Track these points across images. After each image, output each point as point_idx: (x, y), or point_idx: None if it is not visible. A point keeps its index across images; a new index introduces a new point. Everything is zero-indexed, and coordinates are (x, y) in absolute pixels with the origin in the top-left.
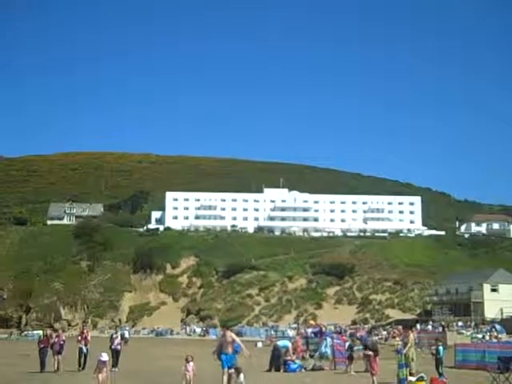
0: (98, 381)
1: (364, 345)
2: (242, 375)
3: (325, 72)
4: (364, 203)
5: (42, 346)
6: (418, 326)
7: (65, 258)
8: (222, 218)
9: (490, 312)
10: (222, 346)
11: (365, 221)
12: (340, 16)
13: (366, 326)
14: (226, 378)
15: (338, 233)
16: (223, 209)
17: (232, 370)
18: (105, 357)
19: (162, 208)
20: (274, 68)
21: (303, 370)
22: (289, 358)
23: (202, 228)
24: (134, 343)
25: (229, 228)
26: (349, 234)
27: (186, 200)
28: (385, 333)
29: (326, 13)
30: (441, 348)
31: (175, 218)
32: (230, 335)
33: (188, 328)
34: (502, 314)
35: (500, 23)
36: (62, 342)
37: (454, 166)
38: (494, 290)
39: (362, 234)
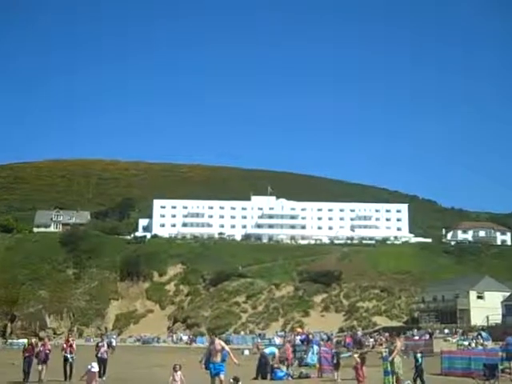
0: None
1: (358, 342)
2: None
3: (309, 76)
4: (351, 211)
5: (27, 354)
6: (415, 331)
7: (51, 265)
8: (210, 225)
9: (476, 319)
10: (211, 354)
11: (352, 228)
12: (339, 17)
13: (360, 330)
14: None
15: (326, 240)
16: (211, 216)
17: (231, 381)
18: (95, 367)
19: (150, 216)
20: (261, 73)
21: (290, 378)
22: (276, 365)
23: (190, 236)
24: (120, 351)
25: (216, 235)
26: (336, 241)
27: (174, 208)
28: (372, 340)
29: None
30: (419, 356)
31: (162, 225)
32: (219, 343)
33: (175, 336)
34: (487, 321)
35: (502, 24)
36: (47, 351)
37: (442, 173)
38: (480, 298)
39: (349, 241)
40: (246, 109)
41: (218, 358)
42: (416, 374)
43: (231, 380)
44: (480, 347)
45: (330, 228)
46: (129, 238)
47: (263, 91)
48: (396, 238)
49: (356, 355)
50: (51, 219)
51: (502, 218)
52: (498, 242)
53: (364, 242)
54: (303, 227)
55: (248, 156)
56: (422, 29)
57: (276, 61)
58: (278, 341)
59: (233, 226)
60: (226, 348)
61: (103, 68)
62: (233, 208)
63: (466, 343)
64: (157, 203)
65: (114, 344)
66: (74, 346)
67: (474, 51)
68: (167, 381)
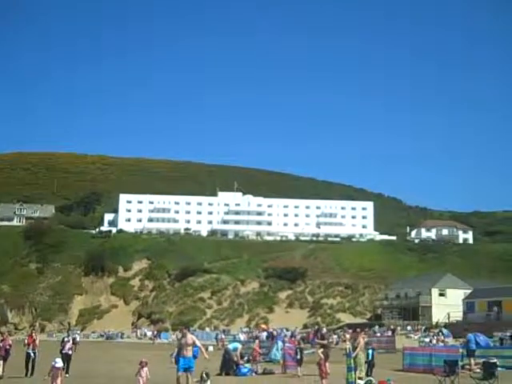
0: None
1: (321, 336)
2: (208, 382)
3: (281, 69)
4: (317, 208)
5: None
6: (377, 328)
7: (13, 260)
8: (176, 221)
9: (438, 316)
10: (181, 349)
11: (318, 225)
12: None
13: (324, 326)
14: (182, 380)
15: (291, 237)
16: (177, 212)
17: (204, 376)
18: (59, 363)
19: (115, 210)
20: (233, 69)
21: (254, 374)
22: (237, 359)
23: (156, 231)
24: (83, 347)
25: (182, 231)
26: (302, 238)
27: (140, 202)
28: (335, 337)
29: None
30: (370, 351)
31: (128, 220)
32: (191, 337)
33: (139, 331)
34: (448, 318)
35: (502, 19)
36: (8, 347)
37: (407, 172)
38: (441, 295)
39: (314, 238)
40: (215, 104)
41: (189, 353)
42: (368, 369)
43: (203, 375)
44: (441, 344)
45: (296, 225)
46: (94, 232)
47: (231, 86)
48: (361, 235)
49: (320, 351)
50: (14, 213)
51: (464, 216)
52: (460, 241)
53: (329, 239)
54: (269, 223)
55: (215, 152)
56: (422, 24)
57: (252, 55)
58: (242, 337)
59: (199, 222)
60: (198, 343)
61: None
62: (199, 204)
63: (428, 340)
64: (123, 198)
65: (77, 339)
66: (37, 341)
67: (474, 45)
68: (132, 376)
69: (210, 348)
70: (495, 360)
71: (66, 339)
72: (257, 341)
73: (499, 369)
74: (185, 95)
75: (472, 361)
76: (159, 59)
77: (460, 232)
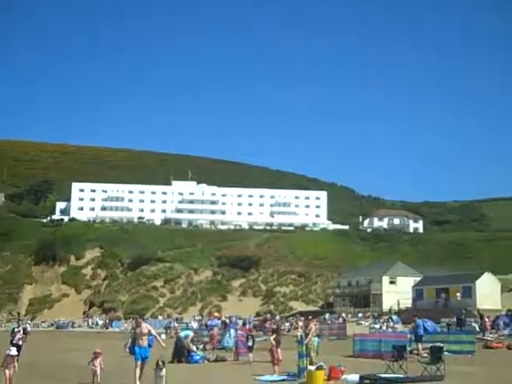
0: (5, 377)
1: (275, 327)
2: (164, 370)
3: (228, 63)
4: (271, 197)
5: None
6: (328, 316)
7: None
8: (129, 209)
9: (388, 303)
10: (136, 338)
11: (271, 214)
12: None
13: (277, 315)
14: (138, 370)
15: (245, 226)
16: (130, 200)
17: (160, 364)
18: (13, 351)
19: (68, 199)
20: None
21: (206, 362)
22: (188, 346)
23: (109, 219)
24: (34, 337)
25: (135, 220)
26: (255, 227)
27: (93, 191)
28: (288, 324)
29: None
30: (316, 339)
31: (81, 209)
32: (146, 326)
33: (90, 320)
34: (398, 305)
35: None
36: None
37: (360, 161)
38: (392, 283)
39: (268, 227)
40: (169, 94)
41: (145, 342)
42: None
43: (159, 363)
44: (390, 330)
45: (250, 214)
46: (45, 221)
47: (186, 77)
48: (314, 224)
49: (272, 337)
50: None
51: (415, 206)
52: (411, 230)
53: (283, 228)
54: (223, 212)
55: (169, 141)
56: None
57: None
58: (195, 325)
59: (152, 211)
60: (153, 332)
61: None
62: (153, 192)
63: (378, 326)
64: (75, 186)
65: (28, 329)
66: None
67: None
68: (85, 365)
69: (163, 336)
70: (442, 345)
71: (16, 329)
72: (216, 328)
73: (446, 353)
74: (141, 85)
75: (420, 346)
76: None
77: (411, 221)
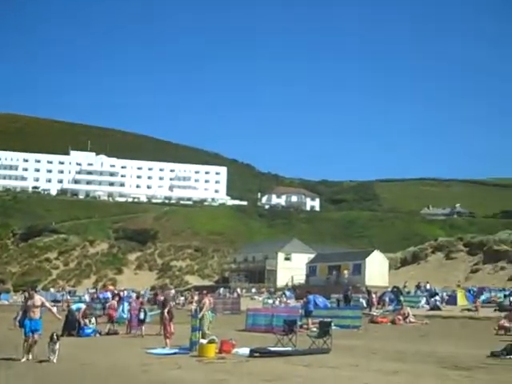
0: None
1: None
2: (58, 343)
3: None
4: (171, 171)
5: None
6: (222, 290)
7: None
8: (24, 178)
9: (283, 280)
10: (27, 311)
11: (171, 188)
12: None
13: (172, 289)
14: (27, 344)
15: (144, 199)
16: (25, 169)
17: (55, 337)
18: None
19: None
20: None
21: (98, 335)
22: (79, 319)
23: (1, 188)
24: None
25: (30, 189)
26: (154, 200)
27: None
28: (182, 298)
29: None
30: (210, 313)
31: None
32: (39, 298)
33: None
34: (292, 281)
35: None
36: None
37: (259, 138)
38: (287, 259)
39: (167, 201)
40: (76, 61)
41: (37, 315)
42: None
43: (53, 336)
44: (283, 305)
45: (149, 187)
46: None
47: (89, 42)
48: (213, 199)
49: (165, 311)
50: None
51: (313, 184)
52: (308, 208)
53: (182, 202)
54: (122, 185)
55: (68, 109)
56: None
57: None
58: (88, 298)
59: (49, 181)
60: (47, 304)
61: None
62: (50, 162)
63: (271, 301)
64: None
65: None
66: None
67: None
68: None
69: (54, 309)
70: (330, 320)
71: None
72: (114, 301)
73: (334, 327)
74: (45, 51)
75: (309, 320)
76: None
77: (308, 199)
